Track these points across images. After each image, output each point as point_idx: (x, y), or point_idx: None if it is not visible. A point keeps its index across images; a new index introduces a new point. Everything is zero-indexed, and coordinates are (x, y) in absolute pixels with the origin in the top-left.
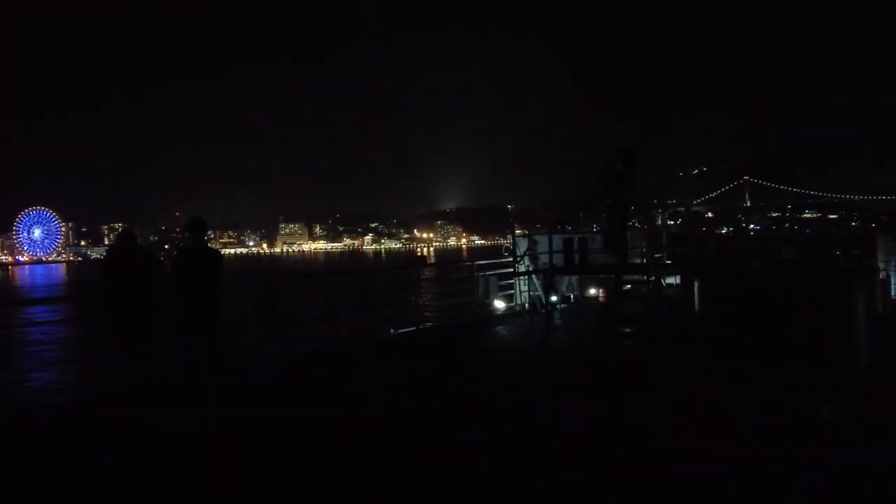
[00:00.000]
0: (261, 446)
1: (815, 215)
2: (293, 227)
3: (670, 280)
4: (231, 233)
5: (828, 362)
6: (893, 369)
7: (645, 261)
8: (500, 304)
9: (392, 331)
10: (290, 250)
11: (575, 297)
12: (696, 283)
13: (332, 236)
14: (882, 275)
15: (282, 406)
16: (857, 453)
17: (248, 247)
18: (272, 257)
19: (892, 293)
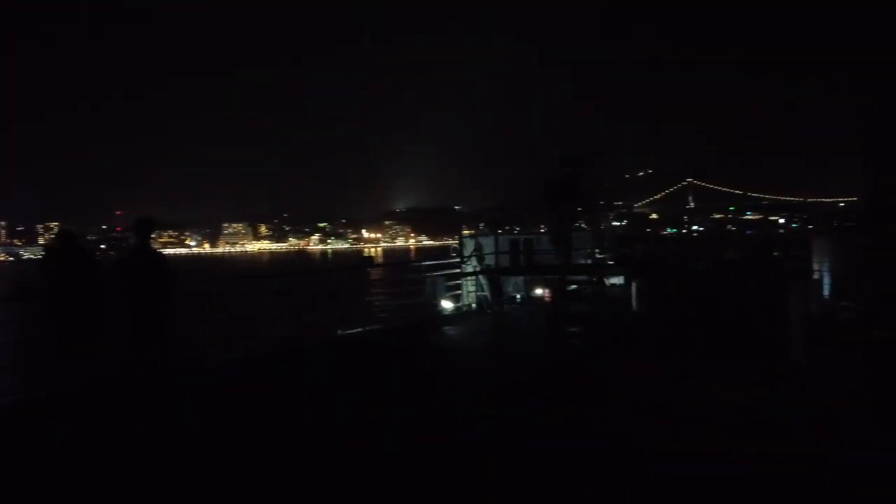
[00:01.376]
0: (203, 449)
1: (757, 217)
2: (237, 226)
3: (615, 280)
4: (172, 233)
5: (767, 360)
6: (828, 366)
7: (590, 261)
8: (447, 305)
9: (339, 332)
10: (233, 251)
11: (522, 298)
12: (640, 284)
13: (278, 236)
14: (816, 275)
15: (231, 408)
16: (799, 449)
17: (189, 247)
18: (213, 258)
19: (825, 293)
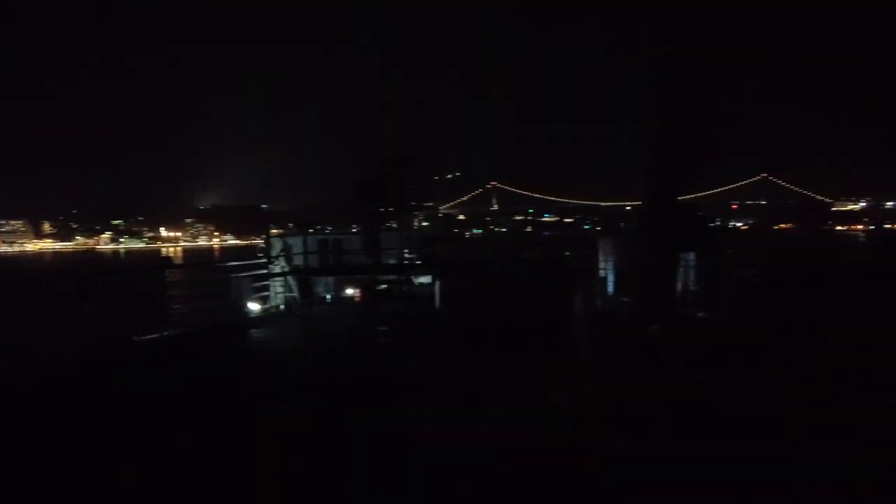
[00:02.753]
0: None
1: (553, 219)
2: (15, 224)
3: (423, 279)
4: None
5: (556, 354)
6: (612, 358)
7: (400, 261)
8: (254, 307)
9: (135, 338)
10: (10, 250)
11: (332, 298)
12: (444, 282)
13: (64, 234)
14: (603, 273)
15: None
16: (586, 437)
17: None
18: None
19: (610, 289)
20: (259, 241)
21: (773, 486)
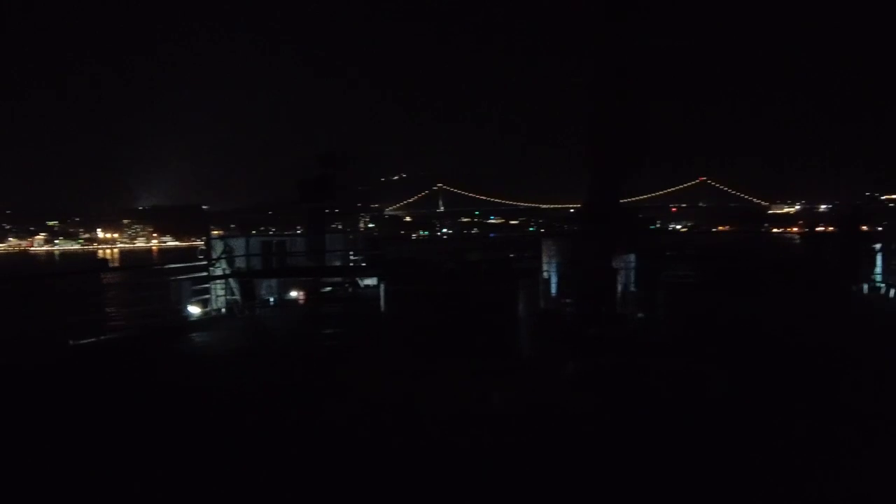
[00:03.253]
0: None
1: (499, 221)
2: None
3: (368, 281)
4: None
5: (500, 354)
6: (554, 358)
7: (346, 263)
8: (195, 310)
9: (71, 342)
10: None
11: (275, 301)
12: (389, 284)
13: None
14: (545, 274)
15: None
16: (522, 435)
17: None
18: None
19: (553, 290)
20: (200, 243)
21: (693, 483)
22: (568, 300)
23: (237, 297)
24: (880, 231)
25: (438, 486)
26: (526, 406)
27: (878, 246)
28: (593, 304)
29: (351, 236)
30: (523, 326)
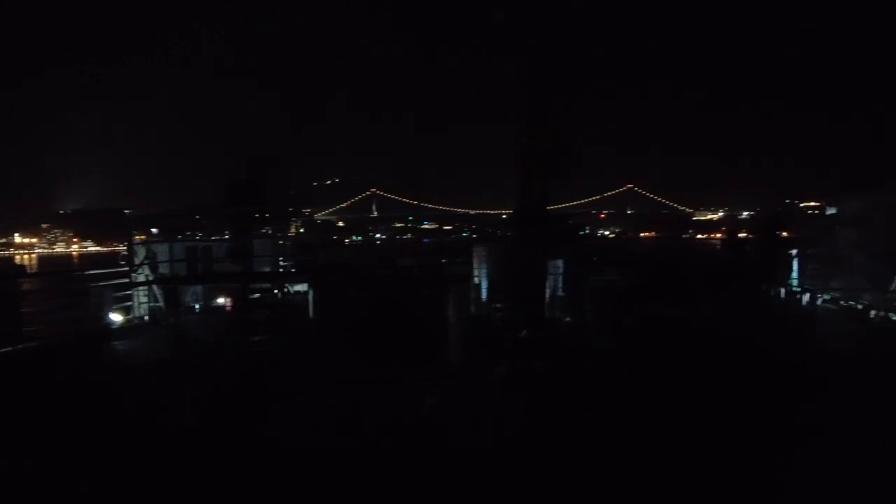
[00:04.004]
0: None
1: (433, 226)
2: None
3: (299, 287)
4: None
5: (429, 361)
6: (480, 364)
7: (272, 269)
8: (116, 318)
9: None
10: None
11: (200, 308)
12: (319, 290)
13: None
14: (476, 280)
15: None
16: (462, 439)
17: None
18: None
19: (483, 295)
20: (122, 248)
21: (624, 478)
22: (498, 305)
23: (161, 304)
24: (797, 237)
25: (376, 493)
26: (461, 410)
27: (794, 252)
28: (523, 308)
29: (281, 241)
30: (454, 331)
